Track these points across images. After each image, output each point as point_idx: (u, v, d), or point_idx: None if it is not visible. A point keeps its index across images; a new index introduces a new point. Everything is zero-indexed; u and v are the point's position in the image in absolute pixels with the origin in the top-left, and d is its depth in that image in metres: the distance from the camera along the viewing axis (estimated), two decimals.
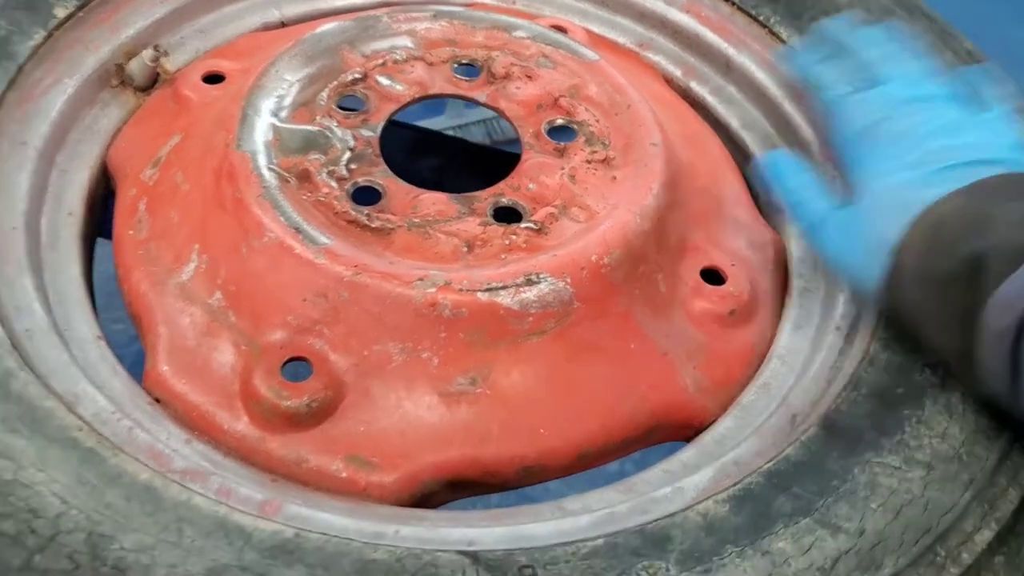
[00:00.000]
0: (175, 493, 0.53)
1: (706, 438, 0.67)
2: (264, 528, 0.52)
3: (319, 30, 0.80)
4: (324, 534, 0.53)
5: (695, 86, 0.91)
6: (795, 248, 0.80)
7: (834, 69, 0.72)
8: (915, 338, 0.63)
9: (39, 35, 0.77)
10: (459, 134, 1.33)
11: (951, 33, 0.87)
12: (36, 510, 0.50)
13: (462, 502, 0.66)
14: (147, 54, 0.82)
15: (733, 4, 0.91)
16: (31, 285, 0.66)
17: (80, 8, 0.80)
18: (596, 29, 0.93)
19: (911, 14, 0.88)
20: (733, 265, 0.74)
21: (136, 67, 0.82)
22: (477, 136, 1.48)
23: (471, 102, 0.79)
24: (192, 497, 0.53)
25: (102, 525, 0.50)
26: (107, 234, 0.78)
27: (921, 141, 0.65)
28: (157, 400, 0.64)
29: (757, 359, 0.72)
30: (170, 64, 0.84)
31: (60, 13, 0.79)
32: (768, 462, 0.60)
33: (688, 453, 0.66)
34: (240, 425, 0.63)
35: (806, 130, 0.85)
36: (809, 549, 0.55)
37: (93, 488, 0.52)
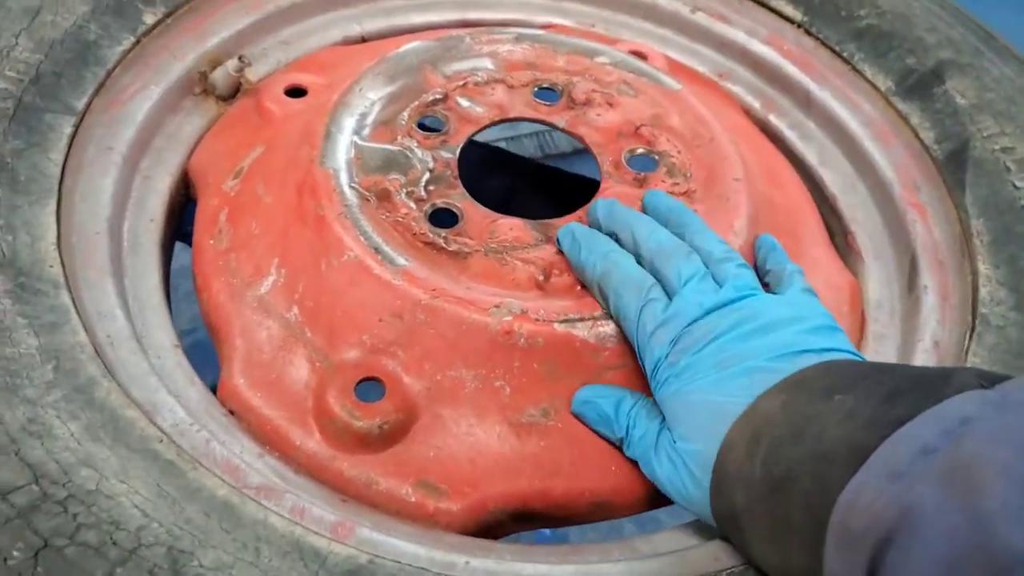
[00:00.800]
0: (252, 511, 0.53)
1: None
2: (338, 552, 0.52)
3: (402, 49, 0.81)
4: (398, 562, 0.53)
5: (773, 119, 0.90)
6: (872, 291, 0.79)
7: (619, 270, 0.64)
8: (744, 551, 0.56)
9: (128, 41, 0.78)
10: (510, 146, 1.33)
11: None
12: (118, 522, 0.50)
13: (527, 534, 0.65)
14: (232, 64, 0.82)
15: (817, 39, 0.90)
16: (113, 290, 0.66)
17: (168, 15, 0.81)
18: (675, 56, 0.93)
19: (1000, 55, 0.87)
20: None
21: (220, 76, 0.82)
22: (529, 149, 1.49)
23: (550, 127, 0.79)
24: (268, 516, 0.53)
25: (182, 540, 0.50)
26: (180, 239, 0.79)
27: (731, 345, 0.58)
28: (231, 412, 0.64)
29: None
30: (252, 74, 0.84)
31: (149, 19, 0.80)
32: None
33: None
34: (312, 443, 0.63)
35: (886, 169, 0.84)
36: None
37: (173, 502, 0.52)
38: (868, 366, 0.56)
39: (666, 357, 0.60)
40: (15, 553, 0.48)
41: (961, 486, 0.41)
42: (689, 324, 0.60)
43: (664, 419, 0.60)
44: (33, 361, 0.57)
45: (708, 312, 0.60)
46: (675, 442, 0.58)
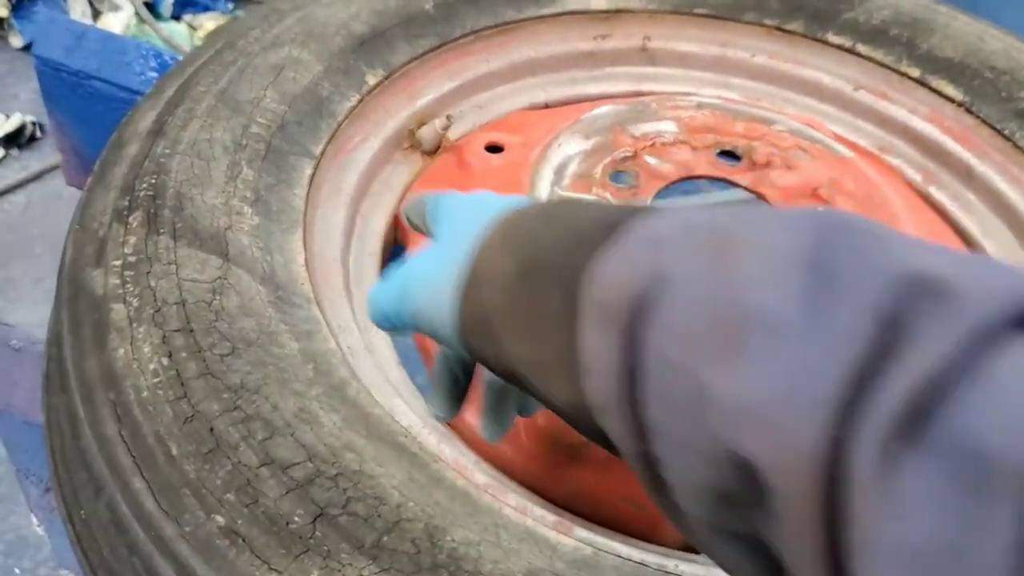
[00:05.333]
0: (488, 501, 0.59)
1: None
2: (566, 543, 0.58)
3: (595, 111, 0.89)
4: (619, 556, 0.58)
5: (934, 191, 0.96)
6: None
7: None
8: (497, 358, 0.50)
9: (354, 98, 0.88)
10: None
11: None
12: (381, 498, 0.56)
13: None
14: (439, 122, 0.92)
15: (978, 117, 0.95)
16: (348, 310, 0.74)
17: (386, 78, 0.91)
18: (838, 131, 0.99)
19: None
20: None
21: (427, 133, 0.92)
22: None
23: (734, 185, 0.85)
24: (502, 507, 0.59)
25: (435, 519, 0.56)
26: None
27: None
28: (447, 424, 0.71)
29: None
30: (452, 133, 0.94)
31: (371, 80, 0.90)
32: None
33: None
34: (523, 455, 0.69)
35: None
36: None
37: (422, 486, 0.58)
38: None
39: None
40: (296, 518, 0.55)
41: (717, 257, 0.37)
42: None
43: None
44: (296, 361, 0.64)
45: None
46: (423, 257, 0.55)
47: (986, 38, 0.99)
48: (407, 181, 0.91)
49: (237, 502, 0.55)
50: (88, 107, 1.25)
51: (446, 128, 0.92)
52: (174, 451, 0.58)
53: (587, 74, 1.03)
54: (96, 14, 3.02)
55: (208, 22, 3.10)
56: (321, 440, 0.59)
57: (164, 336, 0.63)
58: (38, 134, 2.68)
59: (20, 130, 2.66)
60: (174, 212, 0.71)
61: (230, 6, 3.15)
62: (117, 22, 3.00)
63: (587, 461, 0.68)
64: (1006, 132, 0.93)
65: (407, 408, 0.68)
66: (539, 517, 0.62)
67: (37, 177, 2.58)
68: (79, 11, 2.99)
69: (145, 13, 2.91)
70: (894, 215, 0.81)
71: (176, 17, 3.10)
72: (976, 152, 0.94)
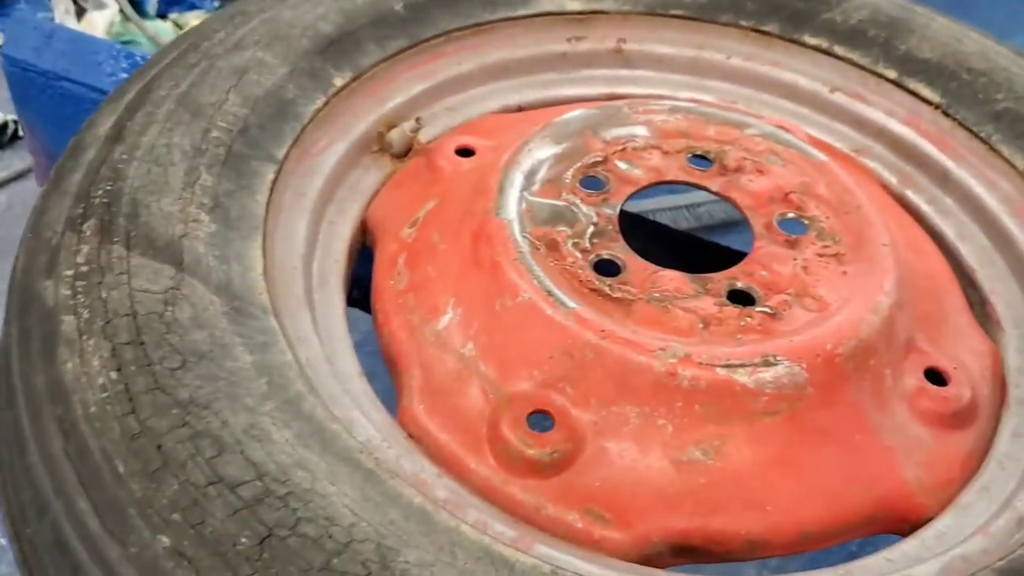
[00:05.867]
0: (445, 519, 0.58)
1: (926, 533, 0.68)
2: (524, 561, 0.56)
3: (566, 115, 0.87)
4: (577, 574, 0.57)
5: (911, 194, 0.94)
6: (1012, 359, 0.81)
7: None
8: None
9: (320, 100, 0.86)
10: (666, 215, 1.38)
11: None
12: (332, 518, 0.55)
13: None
14: (408, 125, 0.90)
15: (954, 120, 0.94)
16: (308, 319, 0.73)
17: (354, 79, 0.89)
18: (813, 133, 0.98)
19: None
20: (955, 368, 0.76)
21: (396, 136, 0.90)
22: (690, 219, 1.53)
23: (704, 190, 0.84)
24: (460, 524, 0.58)
25: (388, 539, 0.55)
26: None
27: None
28: (410, 436, 0.70)
29: (975, 462, 0.73)
30: (423, 136, 0.92)
31: (338, 82, 0.88)
32: (1000, 560, 0.61)
33: (909, 545, 0.67)
34: (485, 467, 0.67)
35: None
36: None
37: (377, 505, 0.57)
38: None
39: None
40: (243, 540, 0.53)
41: None
42: None
43: None
44: (249, 375, 0.63)
45: None
46: None
47: (964, 40, 0.97)
48: (376, 185, 0.89)
49: (184, 522, 0.54)
50: (58, 108, 1.23)
51: (416, 131, 0.91)
52: (120, 469, 0.56)
53: (561, 76, 1.02)
54: (80, 12, 2.99)
55: (194, 20, 3.07)
56: (272, 457, 0.58)
57: (114, 349, 0.61)
58: (20, 133, 2.65)
59: (2, 128, 2.64)
60: (129, 220, 0.69)
61: (215, 4, 3.13)
62: (102, 20, 2.97)
63: (547, 475, 0.66)
64: (982, 135, 0.92)
65: (366, 421, 0.67)
66: (498, 534, 0.60)
67: (19, 176, 2.55)
68: (63, 9, 2.97)
69: (130, 11, 2.88)
70: (868, 220, 0.80)
71: (162, 15, 3.07)
72: (952, 155, 0.93)
